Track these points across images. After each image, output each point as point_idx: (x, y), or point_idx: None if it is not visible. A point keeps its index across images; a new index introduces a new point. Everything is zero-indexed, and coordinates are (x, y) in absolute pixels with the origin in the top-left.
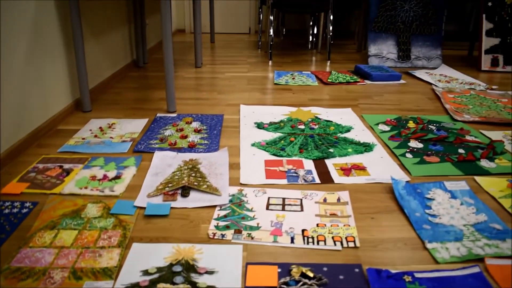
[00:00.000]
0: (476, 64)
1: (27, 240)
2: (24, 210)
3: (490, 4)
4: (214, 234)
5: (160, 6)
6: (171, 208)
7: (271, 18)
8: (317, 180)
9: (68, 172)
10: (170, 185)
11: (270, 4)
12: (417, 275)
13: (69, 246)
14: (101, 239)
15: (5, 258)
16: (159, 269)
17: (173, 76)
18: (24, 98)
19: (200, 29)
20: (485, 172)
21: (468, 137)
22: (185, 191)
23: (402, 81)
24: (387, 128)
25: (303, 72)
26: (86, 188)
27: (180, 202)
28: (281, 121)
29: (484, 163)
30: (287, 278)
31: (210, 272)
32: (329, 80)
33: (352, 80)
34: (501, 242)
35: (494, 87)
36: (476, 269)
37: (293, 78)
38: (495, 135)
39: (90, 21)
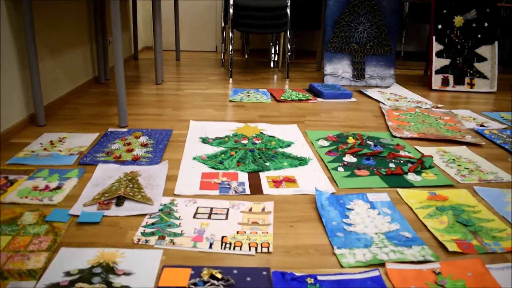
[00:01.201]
0: (428, 83)
1: None
2: None
3: (440, 26)
4: (139, 240)
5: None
6: (104, 216)
7: (231, 36)
8: (248, 191)
9: (12, 182)
10: (106, 195)
11: (230, 24)
12: (320, 277)
13: (1, 250)
14: (32, 244)
15: None
16: (81, 271)
17: (124, 92)
18: None
19: (160, 47)
20: (409, 185)
21: (401, 152)
22: (119, 201)
23: (353, 99)
24: (326, 143)
25: (260, 89)
26: (26, 197)
27: (113, 210)
28: (226, 136)
29: (410, 176)
30: (197, 279)
31: (128, 274)
32: (282, 98)
33: (304, 98)
34: (406, 248)
35: (439, 105)
36: (375, 273)
37: (248, 96)
38: (429, 150)
39: (48, 39)
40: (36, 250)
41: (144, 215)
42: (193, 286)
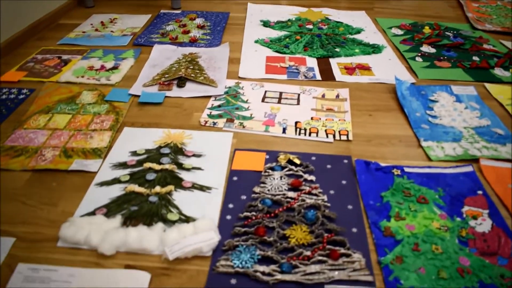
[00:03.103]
0: None
1: (22, 123)
2: (21, 96)
3: None
4: (206, 122)
5: None
6: (166, 97)
7: None
8: (318, 77)
9: (66, 62)
10: (166, 75)
11: None
12: (407, 169)
13: (62, 128)
14: (94, 123)
15: None
16: (148, 151)
17: None
18: None
19: None
20: (497, 80)
21: (486, 46)
22: (181, 82)
23: None
24: (400, 32)
25: None
26: (83, 77)
27: (175, 91)
28: (289, 20)
29: (498, 71)
30: (274, 164)
31: (198, 155)
32: None
33: None
34: (500, 146)
35: None
36: (469, 168)
37: None
38: None
39: None
40: (99, 129)
41: (209, 97)
42: (270, 171)
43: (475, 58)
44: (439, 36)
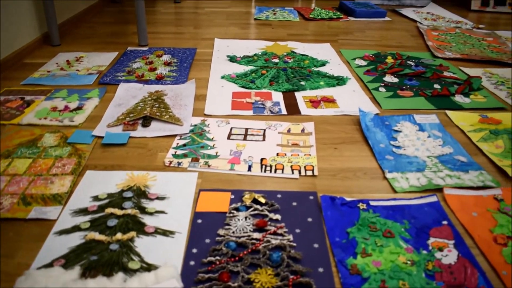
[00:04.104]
0: (466, 3)
1: None
2: None
3: None
4: (171, 162)
5: None
6: (130, 137)
7: None
8: (284, 112)
9: (29, 103)
10: (131, 115)
11: None
12: (372, 203)
13: (22, 173)
14: (55, 167)
15: None
16: (110, 195)
17: (143, 7)
18: None
19: None
20: (458, 107)
21: (446, 73)
22: (146, 121)
23: (387, 18)
24: (364, 63)
25: (286, 8)
26: (45, 118)
27: (140, 131)
28: (255, 54)
29: (458, 98)
30: (238, 204)
31: (162, 198)
32: (311, 16)
33: (335, 16)
34: (463, 173)
35: (481, 26)
36: (433, 198)
37: (274, 14)
38: (475, 72)
39: None
40: (60, 174)
41: (174, 136)
42: (235, 211)
43: (436, 86)
44: (401, 66)
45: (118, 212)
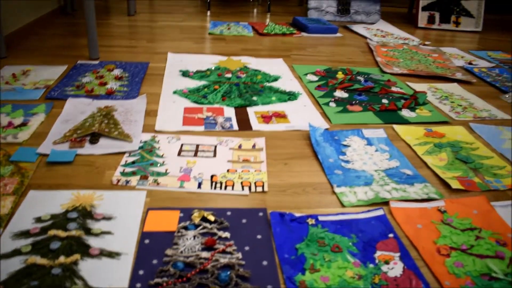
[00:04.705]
0: (413, 21)
1: None
2: None
3: None
4: (118, 181)
5: None
6: (77, 155)
7: None
8: (235, 127)
9: None
10: (79, 131)
11: None
12: (321, 218)
13: None
14: None
15: None
16: (53, 216)
17: (94, 19)
18: None
19: None
20: (405, 121)
21: (394, 88)
22: (94, 138)
23: (338, 34)
24: (315, 78)
25: (240, 23)
26: None
27: (87, 149)
28: (208, 69)
29: (405, 112)
30: (187, 222)
31: (108, 218)
32: (265, 31)
33: (288, 32)
34: (408, 186)
35: (427, 42)
36: (380, 212)
37: (229, 29)
38: (421, 87)
39: None
40: (1, 194)
41: (123, 153)
42: (183, 230)
43: (384, 100)
44: (351, 81)
45: (62, 234)
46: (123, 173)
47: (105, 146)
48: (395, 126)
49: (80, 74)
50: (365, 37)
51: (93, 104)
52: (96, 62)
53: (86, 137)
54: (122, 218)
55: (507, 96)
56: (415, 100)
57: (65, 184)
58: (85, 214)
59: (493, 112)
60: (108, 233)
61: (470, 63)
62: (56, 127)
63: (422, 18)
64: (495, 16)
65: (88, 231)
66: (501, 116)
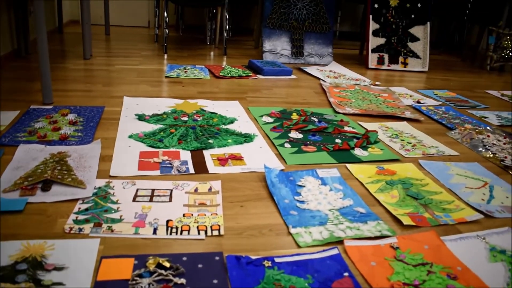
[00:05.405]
0: (364, 62)
1: None
2: None
3: (376, 6)
4: (71, 229)
5: None
6: (28, 203)
7: (166, 11)
8: (192, 171)
9: None
10: (30, 179)
11: None
12: (277, 259)
13: None
14: None
15: None
16: (1, 269)
17: (47, 63)
18: None
19: (88, 19)
20: (357, 160)
21: (346, 128)
22: (46, 185)
23: (293, 76)
24: (270, 119)
25: (197, 66)
26: None
27: (39, 196)
28: (164, 113)
29: (357, 151)
30: (142, 270)
31: (59, 269)
32: (221, 74)
33: (244, 74)
34: (362, 224)
35: (377, 83)
36: (334, 251)
37: (185, 72)
38: (372, 126)
39: None
40: None
41: (76, 200)
42: (138, 278)
43: (338, 140)
44: (306, 122)
45: (10, 287)
46: (76, 221)
47: (57, 193)
48: (348, 165)
49: (33, 119)
50: (319, 79)
51: (45, 150)
52: (50, 106)
53: (37, 185)
54: (75, 268)
55: (453, 132)
56: (367, 139)
57: (14, 234)
58: (35, 265)
59: (441, 148)
60: (60, 284)
61: (418, 102)
62: (6, 174)
63: (372, 60)
64: (439, 57)
65: (38, 283)
66: (448, 152)
